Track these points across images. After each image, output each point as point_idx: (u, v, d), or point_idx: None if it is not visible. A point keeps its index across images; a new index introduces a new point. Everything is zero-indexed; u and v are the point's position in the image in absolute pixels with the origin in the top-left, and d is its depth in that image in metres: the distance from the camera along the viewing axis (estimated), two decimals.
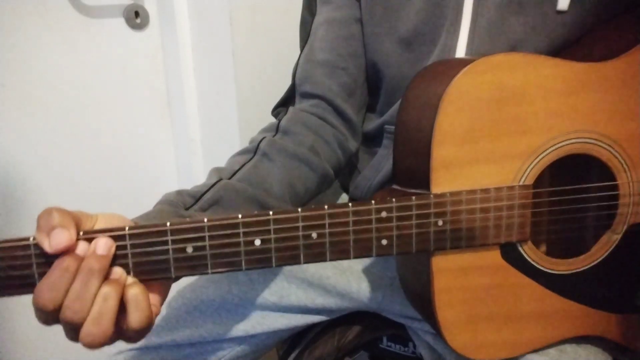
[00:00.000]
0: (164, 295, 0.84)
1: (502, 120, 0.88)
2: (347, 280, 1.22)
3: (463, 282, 0.93)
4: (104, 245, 0.75)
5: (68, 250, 0.73)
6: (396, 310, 1.24)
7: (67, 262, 0.72)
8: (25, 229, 1.76)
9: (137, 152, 2.05)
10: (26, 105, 1.76)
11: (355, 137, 1.27)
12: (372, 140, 1.31)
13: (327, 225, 0.82)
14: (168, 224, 0.77)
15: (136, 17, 1.93)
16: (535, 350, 1.00)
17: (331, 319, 1.31)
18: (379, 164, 1.24)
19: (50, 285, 0.72)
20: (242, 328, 1.18)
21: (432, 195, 0.87)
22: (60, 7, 1.78)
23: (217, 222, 0.78)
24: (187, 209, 0.96)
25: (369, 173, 1.27)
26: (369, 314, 1.30)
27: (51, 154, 1.83)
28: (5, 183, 1.75)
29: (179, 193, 0.98)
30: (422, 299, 0.97)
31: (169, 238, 0.77)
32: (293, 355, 1.39)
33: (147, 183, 2.10)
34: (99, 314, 0.73)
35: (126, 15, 1.91)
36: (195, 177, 2.10)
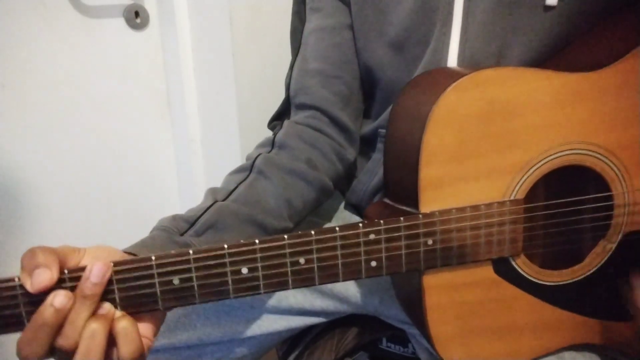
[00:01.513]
0: (156, 326, 0.84)
1: (492, 136, 0.88)
2: (345, 284, 1.22)
3: (455, 298, 0.93)
4: (97, 272, 0.75)
5: (49, 292, 0.74)
6: (394, 315, 1.24)
7: (44, 316, 0.73)
8: (25, 228, 1.77)
9: (137, 152, 2.05)
10: (26, 105, 1.76)
11: (353, 145, 1.27)
12: (367, 144, 1.30)
13: (314, 251, 0.82)
14: (153, 257, 0.77)
15: (136, 17, 1.93)
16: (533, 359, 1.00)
17: (330, 320, 1.31)
18: (374, 168, 1.24)
19: (29, 341, 0.73)
20: (240, 330, 1.18)
21: (420, 215, 0.86)
22: (60, 7, 1.78)
23: (203, 254, 0.79)
24: (182, 234, 0.96)
25: (364, 177, 1.27)
26: (369, 315, 1.29)
27: (51, 153, 1.83)
28: (5, 182, 1.75)
29: (174, 218, 0.98)
30: (415, 314, 0.98)
31: (155, 272, 0.77)
32: (292, 356, 1.39)
33: (147, 183, 2.11)
34: (87, 350, 0.73)
35: (126, 15, 1.90)
36: (195, 177, 2.11)
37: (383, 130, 1.21)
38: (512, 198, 0.90)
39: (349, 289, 1.22)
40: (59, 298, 0.73)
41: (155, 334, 0.84)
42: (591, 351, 1.03)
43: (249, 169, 1.11)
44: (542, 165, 0.91)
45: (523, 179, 0.90)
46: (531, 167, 0.90)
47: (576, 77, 0.91)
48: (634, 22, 0.99)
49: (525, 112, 0.89)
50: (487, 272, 0.93)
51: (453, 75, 0.89)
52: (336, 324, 1.35)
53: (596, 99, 0.91)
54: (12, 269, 0.74)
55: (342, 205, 1.39)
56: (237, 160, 1.91)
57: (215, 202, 1.02)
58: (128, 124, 2.01)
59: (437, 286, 0.91)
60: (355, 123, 1.27)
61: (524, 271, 0.94)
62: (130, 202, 2.06)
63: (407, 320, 1.21)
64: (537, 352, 0.99)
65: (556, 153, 0.91)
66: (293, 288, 0.83)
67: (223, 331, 1.17)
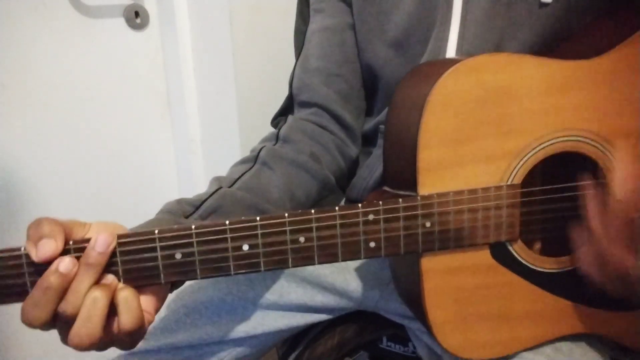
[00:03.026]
0: (158, 303, 0.85)
1: (488, 121, 0.89)
2: (345, 279, 1.23)
3: (453, 282, 0.93)
4: (103, 242, 0.76)
5: (54, 261, 0.75)
6: (394, 310, 1.24)
7: (49, 281, 0.74)
8: (23, 228, 1.76)
9: (137, 152, 2.06)
10: (26, 105, 1.77)
11: (355, 143, 1.28)
12: (368, 140, 1.31)
13: (314, 229, 0.83)
14: (156, 231, 0.78)
15: (136, 17, 1.94)
16: (530, 349, 1.00)
17: (331, 319, 1.32)
18: (374, 164, 1.24)
19: (33, 304, 0.74)
20: (242, 329, 1.18)
21: (419, 197, 0.87)
22: (60, 7, 1.79)
23: (205, 229, 0.79)
24: (186, 217, 0.97)
25: (365, 173, 1.27)
26: (369, 313, 1.30)
27: (51, 153, 1.84)
28: (5, 182, 1.76)
29: (179, 202, 0.99)
30: (413, 299, 0.98)
31: (157, 245, 0.78)
32: (293, 355, 1.39)
33: (147, 183, 2.11)
34: (88, 316, 0.74)
35: (126, 15, 1.92)
36: (195, 177, 2.11)
37: (383, 127, 1.22)
38: (509, 183, 0.91)
39: (350, 283, 1.23)
40: (64, 263, 0.74)
41: (157, 310, 0.85)
42: (588, 341, 1.03)
43: (253, 160, 1.12)
44: (537, 151, 0.91)
45: (519, 165, 0.90)
46: (527, 153, 0.91)
47: (571, 64, 0.91)
48: (629, 13, 1.00)
49: (520, 98, 0.89)
50: (484, 256, 0.93)
51: (450, 63, 0.89)
52: (336, 323, 1.36)
53: (591, 86, 0.91)
54: None
55: (343, 202, 1.39)
56: (237, 160, 1.89)
57: (220, 188, 1.03)
58: (128, 124, 2.01)
59: (435, 269, 0.92)
60: (357, 121, 1.28)
61: (521, 257, 0.94)
62: (130, 202, 2.07)
63: (407, 314, 1.22)
64: (534, 339, 0.99)
65: (551, 139, 0.91)
66: (293, 266, 0.84)
67: (224, 330, 1.17)
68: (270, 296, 1.20)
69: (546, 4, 1.02)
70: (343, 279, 1.22)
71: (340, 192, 1.39)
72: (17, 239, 1.68)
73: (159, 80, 2.06)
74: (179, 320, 1.16)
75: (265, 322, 1.20)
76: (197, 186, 2.12)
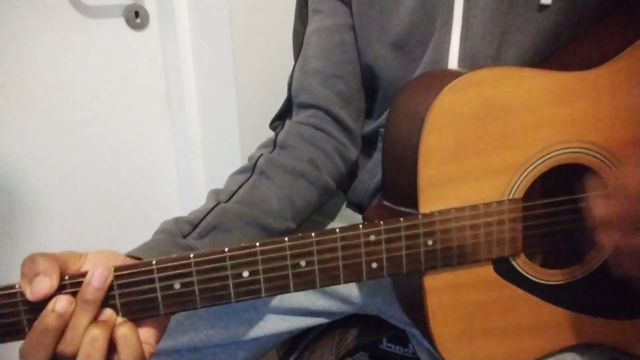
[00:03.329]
0: (159, 334, 0.84)
1: (488, 136, 0.88)
2: (348, 284, 1.22)
3: (456, 298, 0.93)
4: (99, 277, 0.75)
5: (50, 300, 0.74)
6: (396, 315, 1.23)
7: (46, 322, 0.73)
8: (24, 228, 1.78)
9: (137, 152, 2.06)
10: (26, 105, 1.77)
11: (354, 145, 1.27)
12: (368, 143, 1.30)
13: (315, 253, 0.82)
14: (154, 261, 0.77)
15: (136, 17, 1.93)
16: None
17: (331, 321, 1.31)
18: (375, 168, 1.23)
19: (32, 347, 0.74)
20: (242, 332, 1.18)
21: (420, 216, 0.86)
22: (60, 7, 1.79)
23: (204, 257, 0.79)
24: (185, 237, 0.96)
25: (365, 177, 1.26)
26: (369, 316, 1.29)
27: (51, 153, 1.84)
28: (5, 182, 1.76)
29: (177, 220, 0.98)
30: (416, 315, 0.98)
31: (156, 276, 0.77)
32: (293, 356, 1.39)
33: (147, 183, 2.12)
34: (87, 355, 0.74)
35: (126, 15, 1.91)
36: (195, 177, 2.11)
37: (384, 130, 1.21)
38: (510, 197, 0.90)
39: (352, 289, 1.22)
40: (61, 303, 0.73)
41: (158, 340, 0.84)
42: (593, 352, 1.02)
43: (251, 169, 1.11)
44: (539, 164, 0.90)
45: (521, 179, 0.90)
46: (528, 167, 0.90)
47: (571, 75, 0.91)
48: (627, 22, 1.00)
49: (520, 112, 0.89)
50: (487, 272, 0.93)
51: (449, 76, 0.89)
52: (337, 324, 1.35)
53: (591, 97, 0.91)
54: (10, 269, 0.75)
55: (345, 203, 1.39)
56: (237, 160, 1.91)
57: (218, 203, 1.02)
58: (128, 124, 2.01)
59: (438, 287, 0.91)
60: (357, 122, 1.27)
61: (524, 271, 0.94)
62: (130, 202, 2.07)
63: (409, 320, 1.21)
64: (539, 352, 0.99)
65: (552, 152, 0.91)
66: (294, 291, 0.83)
67: (225, 333, 1.16)
68: (272, 300, 1.19)
69: (546, 6, 1.01)
70: (345, 285, 1.21)
71: (341, 194, 1.39)
72: (16, 238, 1.68)
73: (159, 80, 2.06)
74: (179, 323, 1.15)
75: (266, 325, 1.20)
76: (197, 186, 2.12)
